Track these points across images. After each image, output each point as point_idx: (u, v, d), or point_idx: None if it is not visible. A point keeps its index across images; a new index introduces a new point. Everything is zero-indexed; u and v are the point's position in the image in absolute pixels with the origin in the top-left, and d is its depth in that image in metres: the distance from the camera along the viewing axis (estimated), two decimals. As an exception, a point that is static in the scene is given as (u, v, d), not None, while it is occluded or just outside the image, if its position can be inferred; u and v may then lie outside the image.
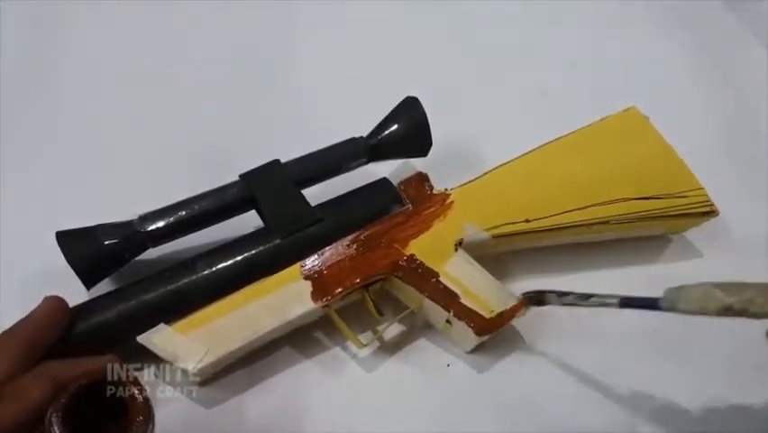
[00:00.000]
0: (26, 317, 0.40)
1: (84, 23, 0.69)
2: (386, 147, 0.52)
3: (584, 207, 0.50)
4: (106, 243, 0.45)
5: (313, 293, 0.45)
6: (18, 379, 0.36)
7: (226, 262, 0.46)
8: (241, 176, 0.49)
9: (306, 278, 0.46)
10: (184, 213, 0.47)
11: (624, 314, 0.42)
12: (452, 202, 0.51)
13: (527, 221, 0.50)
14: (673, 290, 0.39)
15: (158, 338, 0.43)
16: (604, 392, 0.47)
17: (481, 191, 0.51)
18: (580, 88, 0.67)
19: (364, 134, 0.52)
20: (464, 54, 0.70)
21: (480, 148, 0.60)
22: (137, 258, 0.47)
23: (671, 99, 0.66)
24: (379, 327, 0.48)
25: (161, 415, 0.37)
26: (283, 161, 0.50)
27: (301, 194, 0.49)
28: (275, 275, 0.46)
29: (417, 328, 0.50)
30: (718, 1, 0.77)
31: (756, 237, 0.55)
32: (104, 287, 0.46)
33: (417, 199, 0.51)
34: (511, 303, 0.46)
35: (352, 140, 0.52)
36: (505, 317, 0.46)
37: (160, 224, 0.46)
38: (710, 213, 0.52)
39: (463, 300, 0.46)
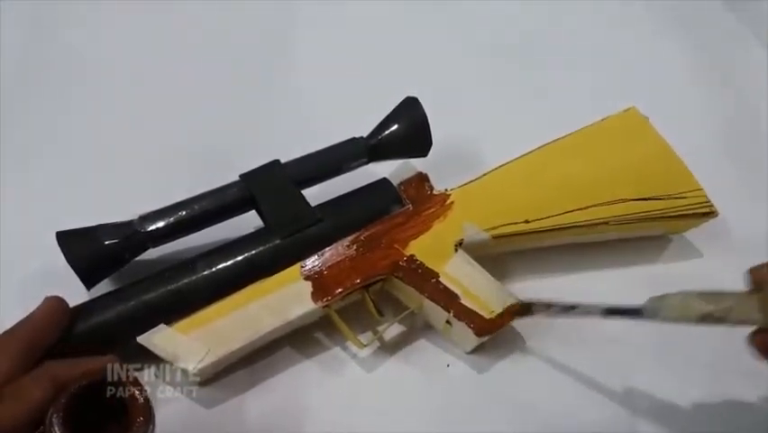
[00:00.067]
0: (26, 317, 0.40)
1: (84, 23, 0.69)
2: (386, 147, 0.52)
3: (584, 208, 0.50)
4: (106, 243, 0.45)
5: (313, 293, 0.45)
6: (18, 379, 0.36)
7: (226, 262, 0.46)
8: (241, 176, 0.49)
9: (307, 278, 0.46)
10: (184, 213, 0.47)
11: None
12: (452, 203, 0.51)
13: (527, 221, 0.50)
14: (655, 300, 0.40)
15: (158, 338, 0.43)
16: (603, 393, 0.47)
17: (481, 192, 0.51)
18: (580, 88, 0.67)
19: (364, 134, 0.52)
20: (464, 54, 0.70)
21: (480, 148, 0.60)
22: (137, 258, 0.47)
23: (671, 99, 0.66)
24: (380, 328, 0.48)
25: (162, 415, 0.37)
26: (283, 161, 0.50)
27: (301, 194, 0.49)
28: (275, 275, 0.46)
29: (417, 329, 0.50)
30: (718, 1, 0.78)
31: (756, 237, 0.55)
32: (104, 287, 0.46)
33: (417, 200, 0.51)
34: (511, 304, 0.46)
35: (353, 140, 0.52)
36: (505, 318, 0.46)
37: (160, 224, 0.46)
38: (710, 214, 0.52)
39: (463, 301, 0.46)
